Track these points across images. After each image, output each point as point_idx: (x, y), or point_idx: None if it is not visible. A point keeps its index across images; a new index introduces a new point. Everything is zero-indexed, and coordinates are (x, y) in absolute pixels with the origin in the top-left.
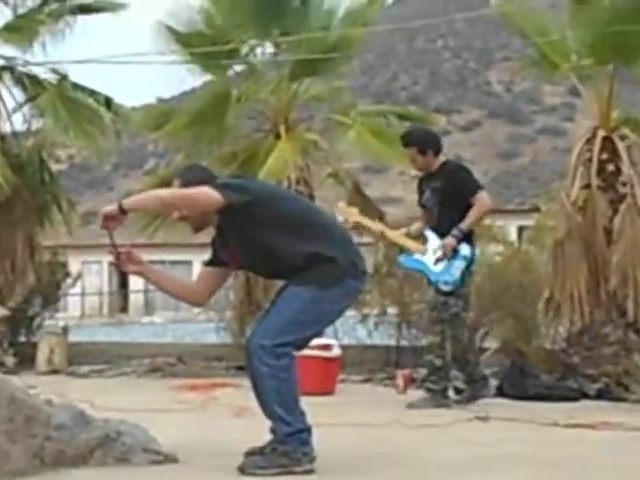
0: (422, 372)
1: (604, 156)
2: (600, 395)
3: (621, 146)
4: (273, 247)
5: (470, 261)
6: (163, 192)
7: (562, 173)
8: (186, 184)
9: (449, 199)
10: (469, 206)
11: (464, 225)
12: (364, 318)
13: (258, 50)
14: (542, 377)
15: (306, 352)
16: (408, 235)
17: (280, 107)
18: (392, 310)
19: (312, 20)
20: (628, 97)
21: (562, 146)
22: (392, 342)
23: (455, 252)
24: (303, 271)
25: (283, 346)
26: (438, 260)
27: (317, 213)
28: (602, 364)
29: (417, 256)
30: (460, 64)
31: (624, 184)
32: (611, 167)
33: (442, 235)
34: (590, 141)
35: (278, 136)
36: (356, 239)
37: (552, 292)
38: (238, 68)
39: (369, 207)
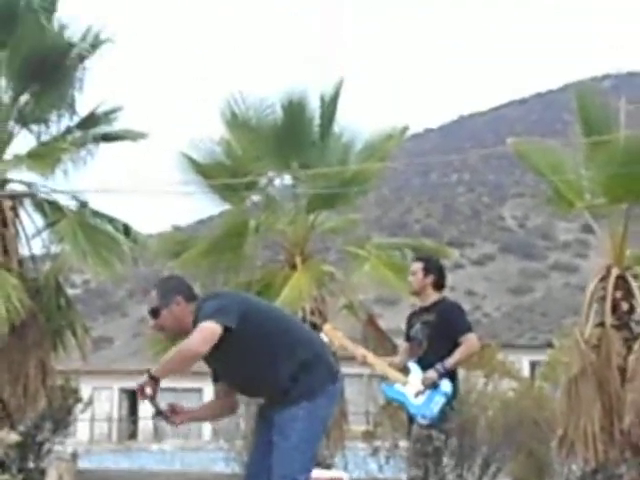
0: None
1: (618, 294)
2: None
3: (635, 285)
4: (254, 366)
5: (450, 398)
6: (181, 347)
7: (574, 309)
8: (162, 294)
9: (439, 334)
10: (457, 345)
11: (448, 363)
12: (375, 451)
13: (276, 181)
14: None
15: None
16: (391, 365)
17: (297, 238)
18: (404, 443)
19: (330, 153)
20: None
21: (574, 282)
22: (403, 476)
23: (436, 387)
24: (286, 392)
25: (304, 473)
26: (418, 393)
27: (291, 322)
28: None
29: (398, 387)
30: (474, 198)
31: (638, 323)
32: (625, 305)
33: (426, 368)
34: (604, 279)
35: (294, 267)
36: (369, 372)
37: (566, 430)
38: (256, 198)
39: (382, 338)
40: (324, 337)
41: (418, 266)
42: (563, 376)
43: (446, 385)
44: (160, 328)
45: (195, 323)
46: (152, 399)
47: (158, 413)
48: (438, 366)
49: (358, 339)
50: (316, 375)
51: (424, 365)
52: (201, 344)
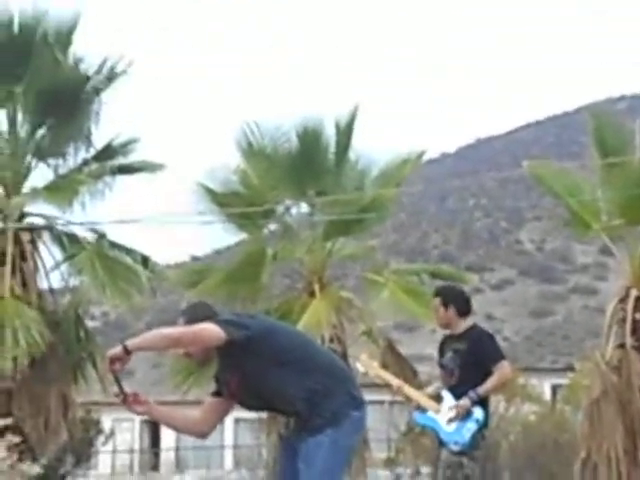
0: None
1: (638, 315)
2: None
3: None
4: (273, 381)
5: (482, 425)
6: (167, 330)
7: (594, 332)
8: (190, 321)
9: (471, 363)
10: (489, 372)
11: (481, 390)
12: (397, 478)
13: (293, 209)
14: None
15: None
16: (425, 394)
17: (314, 266)
18: (426, 469)
19: (346, 180)
20: None
21: (594, 305)
22: None
23: (468, 414)
24: (310, 418)
25: None
26: (451, 420)
27: (313, 347)
28: None
29: (431, 414)
30: (491, 223)
31: None
32: None
33: (459, 397)
34: (623, 300)
35: (312, 294)
36: (390, 398)
37: (589, 452)
38: (273, 227)
39: (402, 364)
40: (359, 367)
41: (437, 302)
42: (584, 399)
43: (478, 412)
44: (188, 355)
45: None
46: (117, 375)
47: (120, 392)
48: (471, 394)
49: (378, 366)
50: (337, 400)
51: (457, 393)
52: (188, 336)
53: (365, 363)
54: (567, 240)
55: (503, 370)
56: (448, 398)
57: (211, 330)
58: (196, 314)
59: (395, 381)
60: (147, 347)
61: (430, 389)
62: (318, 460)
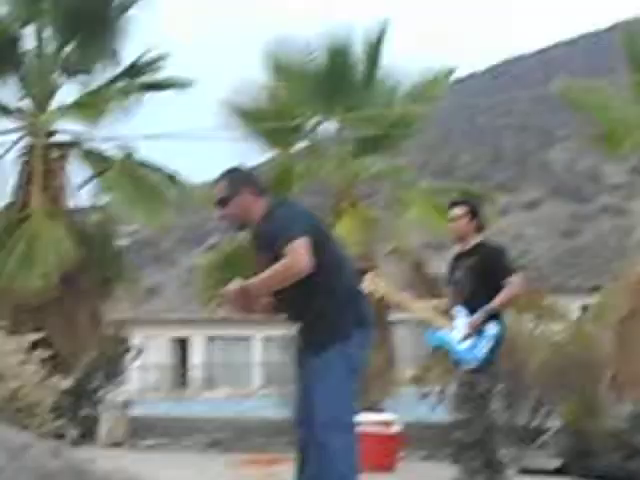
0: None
1: None
2: None
3: None
4: (299, 284)
5: (497, 340)
6: (277, 269)
7: (623, 252)
8: (233, 184)
9: (482, 279)
10: (501, 287)
11: (492, 305)
12: (424, 395)
13: (322, 126)
14: (606, 457)
15: (366, 429)
16: (436, 309)
17: (343, 184)
18: (452, 387)
19: (375, 97)
20: None
21: (624, 225)
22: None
23: (482, 330)
24: (319, 333)
25: (348, 414)
26: (463, 338)
27: (345, 259)
28: None
29: (444, 332)
30: (521, 142)
31: None
32: None
33: (471, 313)
34: None
35: (341, 212)
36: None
37: (616, 371)
38: (302, 144)
39: (429, 284)
40: (365, 285)
41: (463, 210)
42: (612, 318)
43: (492, 328)
44: (226, 218)
45: (267, 224)
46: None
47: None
48: (482, 310)
49: (406, 284)
50: (347, 317)
51: (468, 309)
52: (306, 261)
53: (372, 282)
54: (597, 160)
55: (514, 284)
56: (461, 315)
57: (304, 245)
58: (238, 178)
59: (403, 298)
60: (270, 287)
61: (442, 302)
62: (328, 377)
